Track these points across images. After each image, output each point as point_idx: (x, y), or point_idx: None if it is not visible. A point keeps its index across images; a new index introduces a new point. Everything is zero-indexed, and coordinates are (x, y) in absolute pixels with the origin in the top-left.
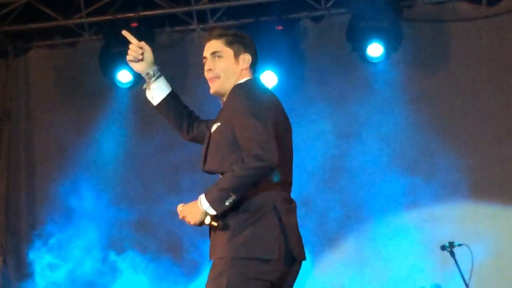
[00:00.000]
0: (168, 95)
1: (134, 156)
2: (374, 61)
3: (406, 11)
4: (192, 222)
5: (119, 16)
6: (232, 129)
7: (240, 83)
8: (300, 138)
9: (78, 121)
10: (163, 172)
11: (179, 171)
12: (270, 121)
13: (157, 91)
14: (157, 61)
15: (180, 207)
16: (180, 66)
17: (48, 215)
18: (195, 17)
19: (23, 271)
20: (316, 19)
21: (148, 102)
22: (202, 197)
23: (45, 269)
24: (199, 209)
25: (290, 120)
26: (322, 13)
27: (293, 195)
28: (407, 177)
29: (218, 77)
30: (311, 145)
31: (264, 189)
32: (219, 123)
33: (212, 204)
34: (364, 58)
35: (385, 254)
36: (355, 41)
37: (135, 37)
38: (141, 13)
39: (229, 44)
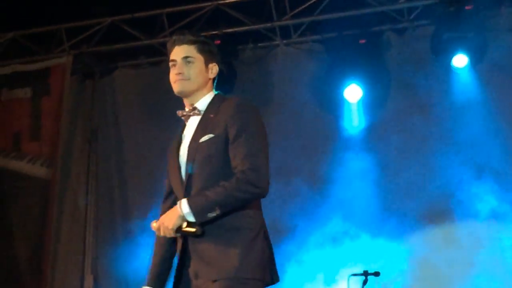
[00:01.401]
0: None
1: None
2: (459, 72)
3: (490, 21)
4: (169, 227)
5: (202, 34)
6: (226, 141)
7: (242, 99)
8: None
9: (163, 138)
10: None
11: None
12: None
13: None
14: (241, 76)
15: (154, 223)
16: (264, 81)
17: (141, 231)
18: (278, 33)
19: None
20: (400, 32)
21: None
22: (184, 201)
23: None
24: (178, 212)
25: (375, 132)
26: (405, 25)
27: None
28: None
29: (188, 79)
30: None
31: (258, 208)
32: (211, 135)
33: (195, 211)
34: (449, 69)
35: None
36: (439, 52)
37: (219, 54)
38: (224, 31)
39: (200, 51)
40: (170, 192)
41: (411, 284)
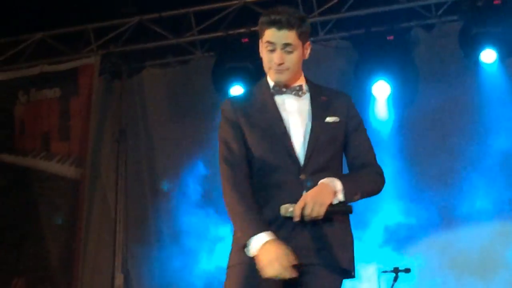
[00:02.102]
0: None
1: None
2: (488, 67)
3: None
4: (326, 203)
5: (230, 32)
6: (345, 128)
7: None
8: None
9: (192, 137)
10: None
11: None
12: None
13: None
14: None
15: (289, 206)
16: None
17: (170, 230)
18: None
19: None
20: (428, 28)
21: None
22: (336, 179)
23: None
24: (332, 188)
25: (404, 129)
26: (433, 21)
27: None
28: None
29: (287, 69)
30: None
31: None
32: (336, 118)
33: (346, 190)
34: (478, 64)
35: None
36: (468, 48)
37: (246, 52)
38: (252, 28)
39: (299, 35)
40: (243, 165)
41: (444, 281)
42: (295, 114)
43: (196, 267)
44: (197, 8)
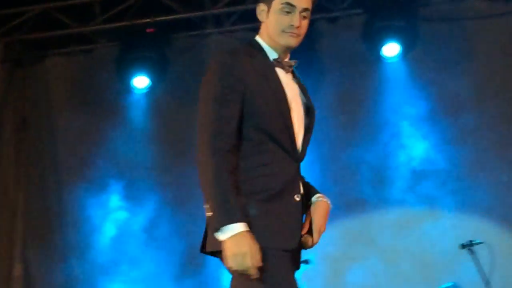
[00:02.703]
0: None
1: (151, 161)
2: (391, 61)
3: (422, 10)
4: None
5: (135, 22)
6: None
7: None
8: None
9: (96, 127)
10: (179, 171)
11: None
12: None
13: None
14: (174, 65)
15: (308, 238)
16: (197, 70)
17: (71, 222)
18: (211, 21)
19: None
20: (332, 20)
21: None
22: (329, 202)
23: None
24: (329, 207)
25: None
26: (337, 14)
27: None
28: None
29: (299, 36)
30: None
31: None
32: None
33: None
34: (380, 58)
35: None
36: (371, 41)
37: (150, 42)
38: (157, 19)
39: (312, 4)
40: (234, 134)
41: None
42: (294, 95)
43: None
44: None
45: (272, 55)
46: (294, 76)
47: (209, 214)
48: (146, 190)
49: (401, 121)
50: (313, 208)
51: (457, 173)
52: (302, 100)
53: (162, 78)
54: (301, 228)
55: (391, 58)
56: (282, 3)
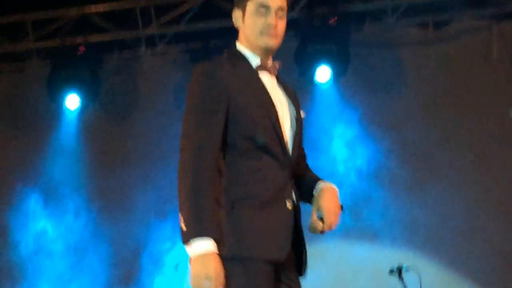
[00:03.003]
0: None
1: (82, 180)
2: (323, 85)
3: (354, 35)
4: (339, 211)
5: (67, 41)
6: None
7: None
8: None
9: (26, 147)
10: (110, 191)
11: (129, 190)
12: None
13: None
14: (106, 84)
15: (319, 222)
16: (129, 90)
17: None
18: (143, 42)
19: None
20: None
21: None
22: (332, 184)
23: None
24: (337, 192)
25: None
26: None
27: None
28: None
29: (277, 36)
30: None
31: None
32: (303, 113)
33: None
34: (312, 81)
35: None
36: (303, 64)
37: (82, 62)
38: (89, 39)
39: (287, 5)
40: (217, 146)
41: None
42: (280, 99)
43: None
44: (34, 16)
45: (254, 60)
46: (279, 80)
47: (182, 225)
48: (74, 208)
49: (331, 143)
50: (317, 195)
51: (387, 197)
52: (288, 103)
53: (93, 98)
54: (291, 237)
55: (324, 82)
56: (256, 5)
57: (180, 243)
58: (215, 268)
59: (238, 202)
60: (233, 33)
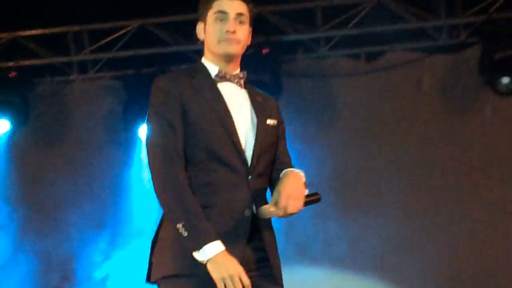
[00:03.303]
0: None
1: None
2: None
3: (287, 65)
4: (303, 197)
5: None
6: (277, 136)
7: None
8: None
9: None
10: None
11: (59, 207)
12: None
13: None
14: (37, 110)
15: (271, 207)
16: (60, 116)
17: None
18: (75, 67)
19: None
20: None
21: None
22: (300, 171)
23: None
24: (302, 179)
25: None
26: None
27: None
28: None
29: (239, 42)
30: None
31: None
32: (275, 121)
33: (306, 180)
34: None
35: None
36: None
37: (13, 86)
38: (20, 63)
39: (250, 11)
40: (183, 152)
41: None
42: (240, 108)
43: None
44: None
45: (215, 71)
46: (248, 89)
47: (183, 233)
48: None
49: None
50: (279, 181)
51: (319, 223)
52: (252, 112)
53: (23, 123)
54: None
55: None
56: (214, 13)
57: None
58: (234, 265)
59: None
60: (166, 60)
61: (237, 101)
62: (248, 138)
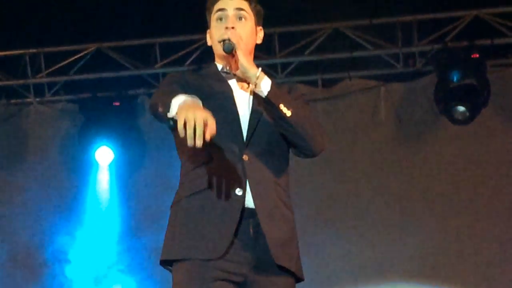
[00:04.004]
0: None
1: None
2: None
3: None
4: (247, 48)
5: None
6: None
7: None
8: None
9: None
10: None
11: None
12: None
13: None
14: None
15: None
16: (16, 139)
17: None
18: (32, 90)
19: None
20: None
21: None
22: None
23: None
24: (256, 69)
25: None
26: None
27: None
28: None
29: (240, 38)
30: None
31: None
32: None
33: (272, 87)
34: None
35: None
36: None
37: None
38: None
39: (252, 8)
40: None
41: None
42: (241, 96)
43: None
44: None
45: (220, 68)
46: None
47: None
48: None
49: None
50: None
51: None
52: (252, 103)
53: None
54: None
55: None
56: (214, 14)
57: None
58: (200, 107)
59: (176, 204)
60: (123, 83)
61: (239, 92)
62: (245, 118)
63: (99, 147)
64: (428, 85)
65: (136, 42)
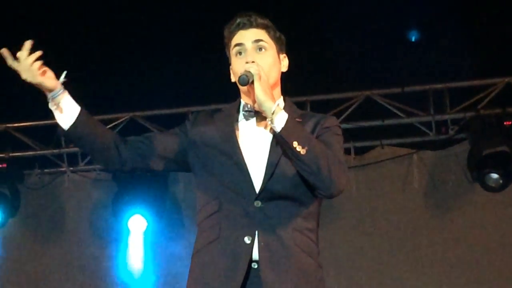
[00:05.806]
0: (80, 111)
1: None
2: None
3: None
4: (268, 80)
5: None
6: None
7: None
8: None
9: None
10: None
11: None
12: None
13: (69, 107)
14: (26, 203)
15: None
16: (50, 208)
17: None
18: (65, 159)
19: None
20: None
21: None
22: (281, 109)
23: None
24: (272, 98)
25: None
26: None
27: None
28: None
29: (262, 69)
30: None
31: None
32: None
33: (288, 123)
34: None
35: None
36: None
37: (4, 178)
38: (10, 154)
39: (272, 37)
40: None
41: None
42: (251, 139)
43: None
44: None
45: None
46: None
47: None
48: None
49: None
50: None
51: None
52: (266, 146)
53: (14, 214)
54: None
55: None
56: (233, 49)
57: None
58: None
59: (192, 258)
60: None
61: (252, 133)
62: (257, 162)
63: (132, 215)
64: (461, 152)
65: (168, 111)
